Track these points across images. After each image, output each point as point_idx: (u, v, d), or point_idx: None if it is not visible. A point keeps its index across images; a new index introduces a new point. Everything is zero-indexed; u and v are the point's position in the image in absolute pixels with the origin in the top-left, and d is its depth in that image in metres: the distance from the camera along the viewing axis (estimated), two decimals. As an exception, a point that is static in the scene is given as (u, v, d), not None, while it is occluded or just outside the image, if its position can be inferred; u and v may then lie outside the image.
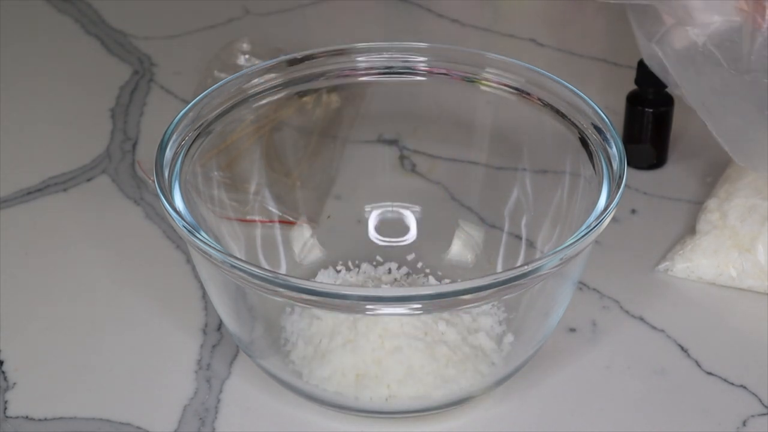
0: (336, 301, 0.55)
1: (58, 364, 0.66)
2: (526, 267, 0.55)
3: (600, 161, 0.63)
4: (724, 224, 0.70)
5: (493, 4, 1.02)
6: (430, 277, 0.70)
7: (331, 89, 0.75)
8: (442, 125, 0.74)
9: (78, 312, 0.70)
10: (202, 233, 0.57)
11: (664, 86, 0.75)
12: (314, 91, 0.74)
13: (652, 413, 0.63)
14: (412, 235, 0.72)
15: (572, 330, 0.68)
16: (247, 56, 0.86)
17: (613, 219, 0.64)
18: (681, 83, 0.70)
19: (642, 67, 0.78)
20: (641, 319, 0.69)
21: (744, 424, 0.62)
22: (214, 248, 0.56)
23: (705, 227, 0.71)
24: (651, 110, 0.79)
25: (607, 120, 0.64)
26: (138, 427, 0.62)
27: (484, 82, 0.69)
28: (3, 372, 0.65)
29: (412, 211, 0.73)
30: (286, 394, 0.63)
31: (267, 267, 0.66)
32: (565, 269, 0.58)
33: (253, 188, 0.73)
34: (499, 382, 0.62)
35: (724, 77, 0.67)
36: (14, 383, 0.65)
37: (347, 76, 0.71)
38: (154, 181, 0.61)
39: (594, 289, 0.71)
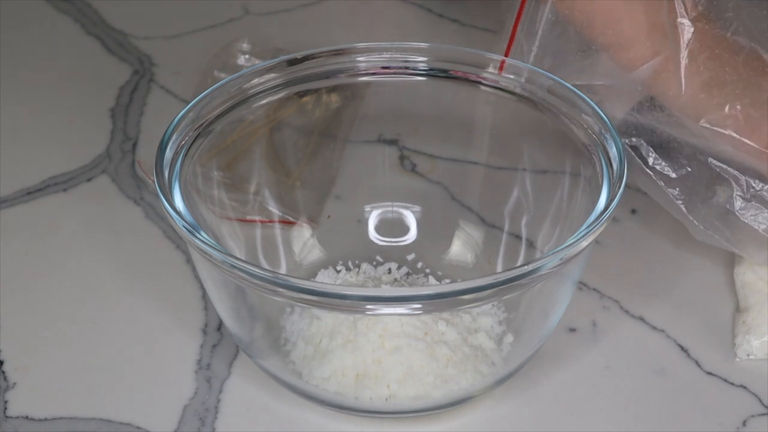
0: (336, 301, 0.55)
1: (58, 364, 0.66)
2: (526, 267, 0.55)
3: (600, 161, 0.63)
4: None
5: (493, 4, 1.02)
6: (430, 277, 0.70)
7: (331, 89, 0.75)
8: (442, 125, 0.74)
9: (78, 312, 0.70)
10: (202, 233, 0.57)
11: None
12: (314, 91, 0.74)
13: (652, 413, 0.63)
14: (412, 235, 0.72)
15: (572, 330, 0.68)
16: (247, 56, 0.86)
17: (613, 219, 0.64)
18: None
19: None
20: (641, 319, 0.69)
21: (744, 424, 0.62)
22: (214, 248, 0.56)
23: (752, 299, 0.68)
24: (651, 110, 0.79)
25: (607, 120, 0.64)
26: (138, 427, 0.62)
27: (484, 82, 0.69)
28: (3, 372, 0.65)
29: (412, 211, 0.73)
30: (286, 394, 0.63)
31: (267, 267, 0.66)
32: (565, 269, 0.58)
33: (253, 188, 0.73)
34: (499, 382, 0.62)
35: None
36: (14, 383, 0.65)
37: (347, 76, 0.71)
38: (154, 181, 0.61)
39: (594, 289, 0.71)
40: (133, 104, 0.88)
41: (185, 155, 0.64)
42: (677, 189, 0.68)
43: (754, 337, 0.66)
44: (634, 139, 0.68)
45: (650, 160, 0.68)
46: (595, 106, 0.64)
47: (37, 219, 0.77)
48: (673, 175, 0.68)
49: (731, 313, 0.69)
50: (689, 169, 0.68)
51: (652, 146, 0.68)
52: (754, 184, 0.66)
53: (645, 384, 0.65)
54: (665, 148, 0.68)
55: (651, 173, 0.68)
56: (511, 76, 0.68)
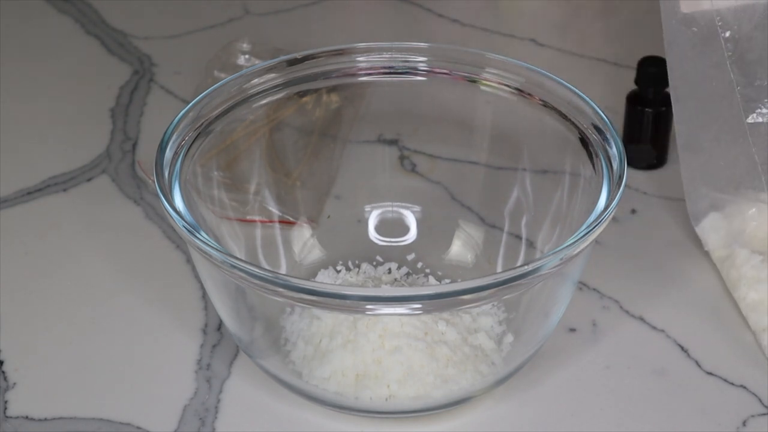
0: (336, 301, 0.55)
1: (58, 364, 0.66)
2: (526, 267, 0.55)
3: (600, 161, 0.63)
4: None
5: (493, 4, 1.02)
6: (430, 277, 0.70)
7: (331, 89, 0.75)
8: (442, 125, 0.74)
9: (78, 312, 0.70)
10: (202, 233, 0.57)
11: (664, 86, 0.75)
12: (314, 91, 0.74)
13: (652, 413, 0.63)
14: (412, 235, 0.72)
15: (572, 330, 0.68)
16: (247, 56, 0.86)
17: (613, 219, 0.64)
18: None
19: (642, 67, 0.78)
20: (641, 319, 0.69)
21: (744, 424, 0.62)
22: (214, 248, 0.56)
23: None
24: (651, 110, 0.79)
25: (607, 120, 0.64)
26: (138, 427, 0.62)
27: (484, 82, 0.69)
28: (3, 372, 0.65)
29: (412, 211, 0.73)
30: (286, 394, 0.63)
31: (267, 267, 0.66)
32: (565, 269, 0.58)
33: (253, 188, 0.73)
34: (499, 382, 0.62)
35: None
36: (14, 383, 0.65)
37: (347, 76, 0.71)
38: (154, 181, 0.61)
39: (594, 289, 0.71)
40: (133, 104, 0.88)
41: (185, 155, 0.64)
42: None
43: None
44: None
45: None
46: (596, 106, 0.64)
47: (37, 219, 0.77)
48: None
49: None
50: None
51: None
52: None
53: (645, 384, 0.65)
54: None
55: None
56: (511, 76, 0.68)
